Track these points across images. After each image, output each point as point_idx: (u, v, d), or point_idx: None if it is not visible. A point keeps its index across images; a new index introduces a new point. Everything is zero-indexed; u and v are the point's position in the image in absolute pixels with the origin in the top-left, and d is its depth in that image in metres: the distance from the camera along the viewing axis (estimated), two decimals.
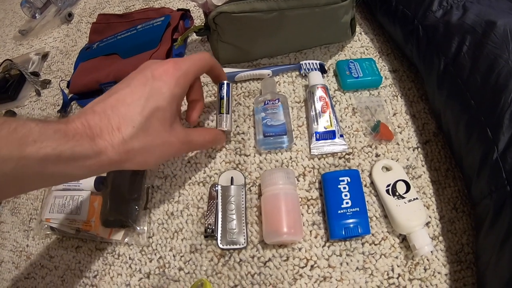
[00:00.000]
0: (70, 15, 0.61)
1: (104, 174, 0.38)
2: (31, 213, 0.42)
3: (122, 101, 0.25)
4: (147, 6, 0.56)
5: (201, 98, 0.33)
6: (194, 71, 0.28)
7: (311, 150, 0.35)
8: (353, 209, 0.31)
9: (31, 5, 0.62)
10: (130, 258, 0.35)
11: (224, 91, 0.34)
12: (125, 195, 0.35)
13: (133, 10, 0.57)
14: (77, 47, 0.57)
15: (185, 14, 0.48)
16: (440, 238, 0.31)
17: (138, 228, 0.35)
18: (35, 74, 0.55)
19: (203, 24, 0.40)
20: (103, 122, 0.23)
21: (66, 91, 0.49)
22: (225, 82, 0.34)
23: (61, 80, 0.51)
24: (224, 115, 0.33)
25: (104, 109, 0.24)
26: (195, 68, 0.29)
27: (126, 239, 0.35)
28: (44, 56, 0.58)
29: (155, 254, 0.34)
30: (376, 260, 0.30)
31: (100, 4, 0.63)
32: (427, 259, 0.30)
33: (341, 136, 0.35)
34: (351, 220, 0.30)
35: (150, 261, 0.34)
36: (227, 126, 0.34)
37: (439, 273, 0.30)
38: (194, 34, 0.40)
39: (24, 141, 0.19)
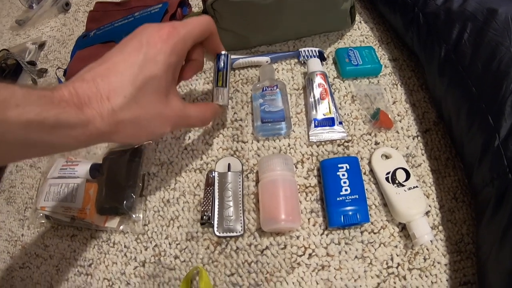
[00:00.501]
0: (68, 4, 0.61)
1: (100, 161, 0.38)
2: (27, 202, 0.42)
3: (113, 69, 0.23)
4: None
5: (200, 58, 0.30)
6: (193, 36, 0.26)
7: (310, 137, 0.35)
8: (352, 196, 0.30)
9: None
10: (125, 246, 0.34)
11: (222, 62, 0.31)
12: (121, 182, 0.35)
13: None
14: (73, 36, 0.56)
15: (183, 1, 0.48)
16: (440, 227, 0.31)
17: (134, 216, 0.34)
18: (32, 63, 0.54)
19: (201, 11, 0.39)
20: (91, 91, 0.22)
21: (63, 79, 0.49)
22: (224, 52, 0.31)
23: (58, 68, 0.50)
24: (221, 88, 0.31)
25: (93, 77, 0.22)
26: (194, 33, 0.26)
27: (121, 226, 0.35)
28: (41, 45, 0.57)
29: (151, 242, 0.34)
30: (375, 249, 0.30)
31: None
32: (427, 249, 0.30)
33: (340, 123, 0.35)
34: (350, 208, 0.30)
35: (146, 249, 0.34)
36: (224, 101, 0.31)
37: (438, 263, 0.29)
38: None
39: (6, 104, 0.18)
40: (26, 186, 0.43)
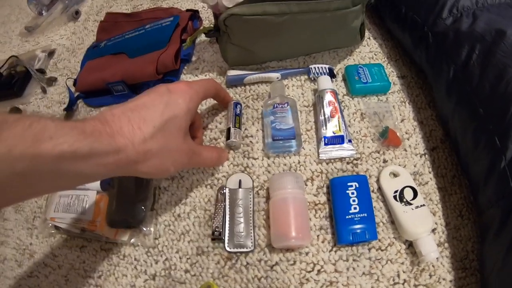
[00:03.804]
0: (77, 12, 0.61)
1: None
2: (35, 211, 0.42)
3: (142, 105, 0.26)
4: (155, 6, 0.56)
5: (201, 123, 0.38)
6: (203, 92, 0.31)
7: (320, 155, 0.35)
8: (361, 215, 0.31)
9: (38, 1, 0.62)
10: (135, 259, 0.35)
11: (238, 109, 0.38)
12: (131, 196, 0.35)
13: (140, 9, 0.57)
14: (83, 45, 0.56)
15: (194, 14, 0.48)
16: (446, 244, 0.31)
17: (145, 229, 0.35)
18: (41, 71, 0.55)
19: (212, 25, 0.40)
20: (123, 122, 0.24)
21: (73, 89, 0.49)
22: (239, 102, 0.39)
23: (68, 78, 0.50)
24: (238, 129, 0.37)
25: (123, 111, 0.25)
26: (204, 90, 0.31)
27: (132, 240, 0.35)
28: (51, 53, 0.58)
29: (161, 256, 0.34)
30: (383, 266, 0.31)
31: (108, 3, 0.63)
32: (433, 266, 0.30)
33: (350, 141, 0.35)
34: (358, 226, 0.30)
35: (156, 263, 0.34)
36: (238, 138, 0.37)
37: (444, 279, 0.30)
38: (203, 35, 0.40)
39: (39, 137, 0.19)
40: None
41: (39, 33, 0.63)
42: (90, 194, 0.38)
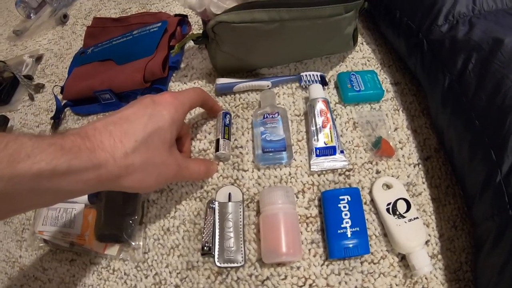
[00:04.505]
0: (65, 16, 0.60)
1: None
2: (24, 223, 0.41)
3: (124, 119, 0.25)
4: (144, 10, 0.54)
5: (189, 133, 0.37)
6: (189, 102, 0.30)
7: (311, 167, 0.34)
8: (353, 229, 0.30)
9: (26, 4, 0.61)
10: (125, 273, 0.34)
11: (227, 119, 0.37)
12: (119, 209, 0.35)
13: (129, 13, 0.55)
14: (71, 50, 0.55)
15: (182, 19, 0.47)
16: (439, 256, 0.31)
17: (133, 243, 0.34)
18: (29, 77, 0.53)
19: (201, 32, 0.39)
20: (104, 136, 0.23)
21: (60, 97, 0.48)
22: (228, 112, 0.38)
23: (55, 86, 0.49)
24: (227, 140, 0.36)
25: (105, 125, 0.24)
26: (190, 100, 0.31)
27: (121, 254, 0.35)
28: (38, 58, 0.56)
29: (151, 270, 0.34)
30: (375, 279, 0.30)
31: (96, 6, 0.61)
32: (426, 278, 0.30)
33: (342, 152, 0.34)
34: (351, 241, 0.30)
35: (146, 277, 0.33)
36: (227, 151, 0.36)
37: None
38: (192, 41, 0.39)
39: (16, 157, 0.19)
40: None
41: (28, 37, 0.61)
42: (78, 207, 0.37)
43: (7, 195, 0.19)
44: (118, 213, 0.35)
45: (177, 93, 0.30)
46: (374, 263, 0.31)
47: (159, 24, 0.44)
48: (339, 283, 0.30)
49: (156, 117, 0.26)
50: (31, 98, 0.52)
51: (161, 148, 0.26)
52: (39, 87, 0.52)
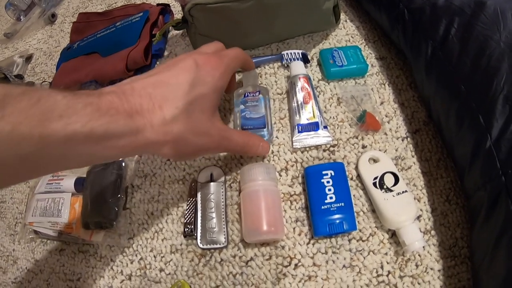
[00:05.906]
0: (54, 15, 0.61)
1: (84, 175, 0.37)
2: (17, 217, 0.42)
3: (165, 82, 0.23)
4: (128, 3, 0.54)
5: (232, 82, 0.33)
6: (234, 65, 0.28)
7: (294, 143, 0.34)
8: (338, 204, 0.29)
9: (16, 7, 0.62)
10: (111, 260, 0.34)
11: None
12: (104, 196, 0.35)
13: (114, 7, 0.56)
14: (60, 47, 0.56)
15: (164, 8, 0.47)
16: (432, 232, 0.30)
17: (118, 229, 0.34)
18: (19, 77, 0.54)
19: (181, 18, 0.38)
20: (143, 99, 0.21)
21: None
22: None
23: (43, 82, 0.50)
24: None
25: (144, 87, 0.22)
26: (235, 62, 0.28)
27: (107, 240, 0.34)
28: (28, 58, 0.57)
29: (136, 255, 0.33)
30: (364, 257, 0.29)
31: (83, 3, 0.62)
32: (419, 255, 0.29)
33: (325, 127, 0.34)
34: (335, 216, 0.29)
35: (131, 263, 0.33)
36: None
37: (431, 269, 0.28)
38: (174, 28, 0.39)
39: (48, 116, 0.16)
40: (16, 201, 0.43)
41: (18, 38, 0.63)
42: (65, 196, 0.37)
43: (34, 158, 0.17)
44: (103, 200, 0.34)
45: (222, 54, 0.27)
46: (363, 241, 0.30)
47: (140, 14, 0.45)
48: (326, 261, 0.29)
49: (199, 83, 0.23)
50: None
51: (203, 117, 0.24)
52: (29, 86, 0.53)
